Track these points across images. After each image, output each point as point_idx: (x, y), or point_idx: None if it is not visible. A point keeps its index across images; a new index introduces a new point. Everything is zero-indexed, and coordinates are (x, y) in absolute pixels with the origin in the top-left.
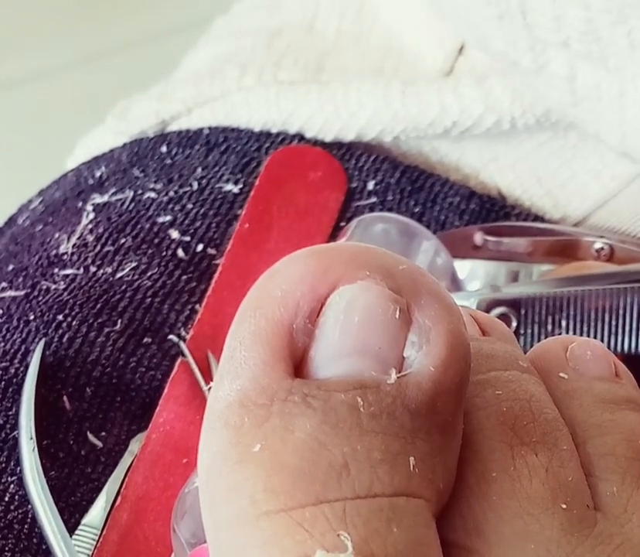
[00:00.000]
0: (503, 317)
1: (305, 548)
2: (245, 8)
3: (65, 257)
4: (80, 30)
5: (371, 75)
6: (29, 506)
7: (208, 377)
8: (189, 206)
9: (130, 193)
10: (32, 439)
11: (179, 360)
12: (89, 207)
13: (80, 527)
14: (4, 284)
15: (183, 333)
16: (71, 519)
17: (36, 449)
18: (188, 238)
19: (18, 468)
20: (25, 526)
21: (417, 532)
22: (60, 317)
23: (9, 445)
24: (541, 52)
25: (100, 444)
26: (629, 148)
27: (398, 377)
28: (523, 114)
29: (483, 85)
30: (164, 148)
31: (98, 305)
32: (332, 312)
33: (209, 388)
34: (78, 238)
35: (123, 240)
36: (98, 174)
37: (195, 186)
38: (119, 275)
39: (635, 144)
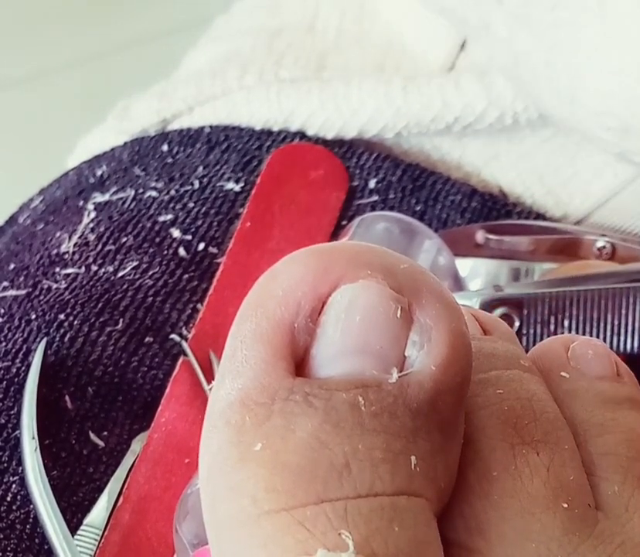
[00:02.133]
0: (506, 317)
1: (307, 547)
2: (245, 8)
3: (66, 256)
4: (80, 30)
5: (372, 72)
6: (31, 506)
7: (210, 376)
8: (191, 204)
9: (131, 192)
10: (33, 438)
11: (181, 359)
12: (90, 206)
13: (81, 527)
14: (5, 283)
15: (185, 332)
16: (73, 519)
17: (38, 448)
18: (189, 237)
19: (20, 468)
20: (27, 526)
21: (418, 531)
22: (62, 316)
23: (11, 444)
24: (486, 11)
25: (101, 443)
26: (567, 117)
27: (399, 377)
28: (526, 109)
29: (485, 80)
30: (165, 147)
31: (99, 305)
32: (334, 311)
33: (211, 388)
34: (79, 237)
35: (124, 239)
36: (99, 173)
37: (197, 184)
38: (120, 274)
39: (569, 113)
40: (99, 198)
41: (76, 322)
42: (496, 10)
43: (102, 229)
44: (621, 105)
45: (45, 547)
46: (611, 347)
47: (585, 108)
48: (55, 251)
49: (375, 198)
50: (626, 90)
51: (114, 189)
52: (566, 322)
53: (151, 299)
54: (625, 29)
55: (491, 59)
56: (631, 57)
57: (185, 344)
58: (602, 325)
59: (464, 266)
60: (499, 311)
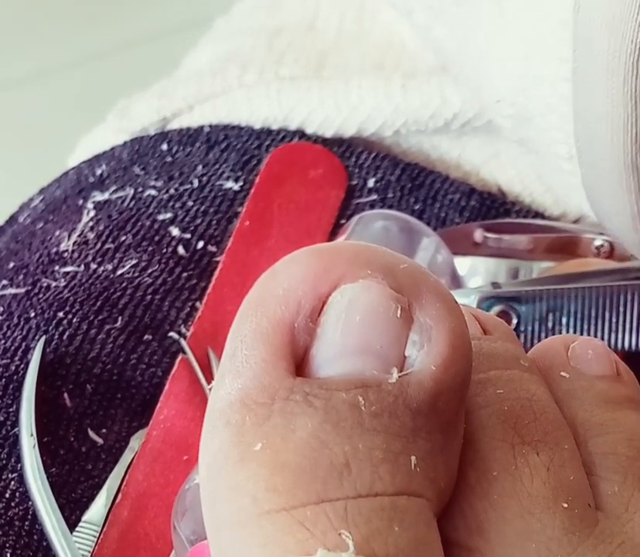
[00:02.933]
0: (503, 314)
1: (307, 547)
2: (245, 8)
3: (65, 254)
4: (80, 30)
5: (372, 71)
6: (30, 503)
7: (208, 374)
8: (190, 203)
9: (130, 191)
10: (32, 435)
11: (180, 357)
12: (89, 205)
13: (80, 524)
14: (4, 281)
15: (183, 330)
16: (72, 516)
17: (37, 445)
18: (188, 235)
19: (19, 465)
20: (26, 523)
21: (419, 531)
22: (61, 314)
23: (10, 442)
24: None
25: (100, 441)
26: (479, 104)
27: (399, 376)
28: None
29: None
30: (164, 146)
31: (98, 303)
32: (334, 311)
33: (211, 388)
34: (79, 236)
35: (123, 238)
36: (99, 172)
37: (196, 183)
38: (119, 272)
39: (477, 101)
40: (98, 197)
41: (75, 320)
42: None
43: (101, 227)
44: (514, 94)
45: (44, 543)
46: (609, 345)
47: (487, 96)
48: (54, 250)
49: (374, 197)
50: (519, 79)
51: (113, 188)
52: (564, 320)
53: (150, 297)
54: (520, 21)
55: (423, 42)
56: (524, 48)
57: (183, 342)
58: (600, 322)
59: (463, 265)
60: (497, 308)
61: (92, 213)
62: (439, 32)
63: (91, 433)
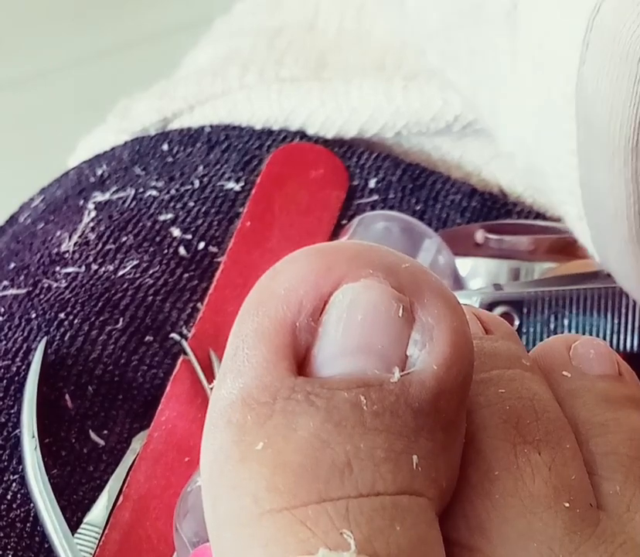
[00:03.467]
0: (506, 316)
1: (308, 547)
2: (245, 8)
3: (66, 255)
4: (80, 30)
5: (372, 71)
6: (31, 504)
7: (210, 375)
8: (191, 204)
9: (131, 191)
10: (34, 437)
11: (181, 358)
12: (90, 205)
13: (82, 525)
14: (5, 282)
15: (185, 332)
16: (73, 517)
17: (38, 447)
18: (189, 236)
19: (20, 466)
20: (28, 524)
21: (420, 531)
22: (62, 315)
23: (11, 443)
24: (421, 41)
25: (102, 442)
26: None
27: (401, 376)
28: None
29: None
30: (165, 147)
31: (100, 304)
32: (335, 311)
33: (212, 387)
34: (79, 236)
35: (124, 239)
36: (99, 172)
37: (197, 184)
38: (120, 273)
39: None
40: (99, 197)
41: (76, 321)
42: (428, 42)
43: (102, 228)
44: (526, 151)
45: (46, 545)
46: (611, 346)
47: (499, 145)
48: (55, 250)
49: (375, 197)
50: (530, 139)
51: (114, 188)
52: (565, 321)
53: (151, 298)
54: (531, 86)
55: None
56: (536, 110)
57: (185, 343)
58: (602, 324)
59: (464, 266)
60: (499, 310)
61: (93, 214)
62: (452, 76)
63: (92, 435)
